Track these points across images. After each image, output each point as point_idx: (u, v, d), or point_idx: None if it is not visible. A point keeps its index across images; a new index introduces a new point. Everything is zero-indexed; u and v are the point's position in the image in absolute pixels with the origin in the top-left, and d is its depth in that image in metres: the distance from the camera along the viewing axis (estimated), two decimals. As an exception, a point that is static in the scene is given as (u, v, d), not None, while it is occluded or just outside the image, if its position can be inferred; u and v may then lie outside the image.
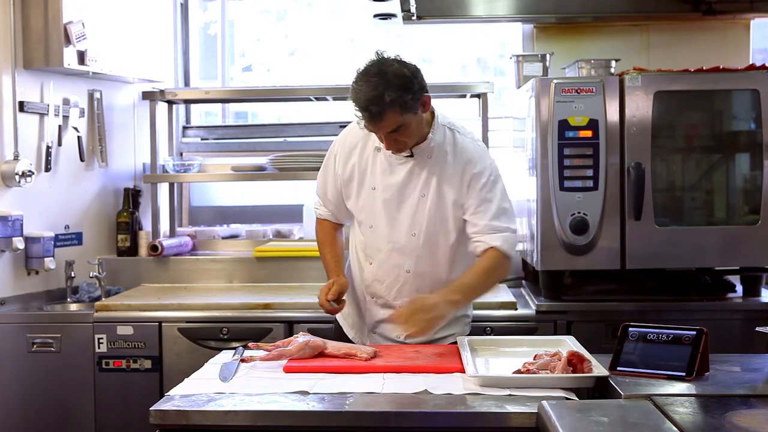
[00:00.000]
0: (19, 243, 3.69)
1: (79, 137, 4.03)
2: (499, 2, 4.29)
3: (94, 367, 3.53)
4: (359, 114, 2.54)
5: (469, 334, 2.79)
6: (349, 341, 2.86)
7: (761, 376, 2.19)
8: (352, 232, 2.93)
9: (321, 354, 2.50)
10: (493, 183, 2.71)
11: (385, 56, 2.58)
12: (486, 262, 2.67)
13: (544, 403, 1.94)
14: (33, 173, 3.74)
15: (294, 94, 4.41)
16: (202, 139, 4.80)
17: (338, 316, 2.96)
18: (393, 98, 2.50)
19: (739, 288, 3.55)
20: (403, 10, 4.05)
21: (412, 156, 2.69)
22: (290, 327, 3.49)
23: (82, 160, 4.07)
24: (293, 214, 4.56)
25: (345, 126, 2.90)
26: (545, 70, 3.92)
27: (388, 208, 2.73)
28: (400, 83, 2.52)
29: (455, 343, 2.78)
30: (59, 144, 3.96)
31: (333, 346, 2.54)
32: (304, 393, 2.15)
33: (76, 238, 4.13)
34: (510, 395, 2.10)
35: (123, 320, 3.53)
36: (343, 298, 2.76)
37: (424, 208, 2.70)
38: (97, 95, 4.17)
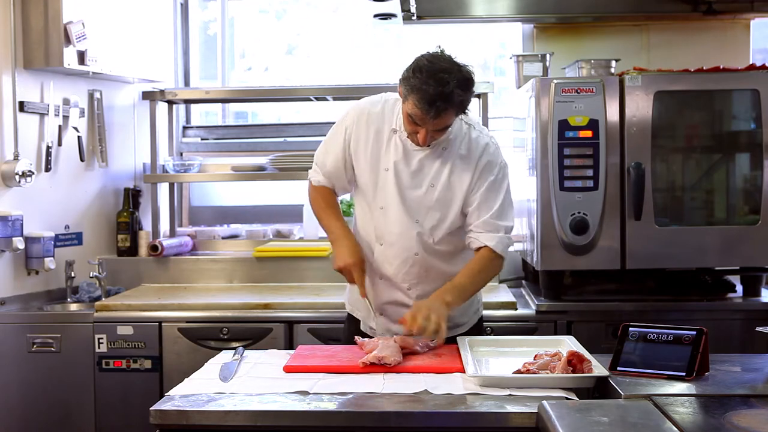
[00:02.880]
0: (19, 243, 3.69)
1: (79, 137, 4.03)
2: (499, 2, 4.29)
3: (94, 367, 3.53)
4: (421, 106, 2.49)
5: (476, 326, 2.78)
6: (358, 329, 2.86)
7: (761, 376, 2.19)
8: (357, 210, 2.87)
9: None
10: (500, 181, 2.73)
11: (446, 54, 2.56)
12: (479, 264, 2.69)
13: (544, 403, 1.94)
14: (33, 173, 3.74)
15: (294, 94, 4.41)
16: (202, 139, 4.80)
17: (348, 301, 2.95)
18: (462, 99, 2.52)
19: (739, 288, 3.55)
20: (403, 10, 4.04)
21: (428, 145, 2.69)
22: (290, 327, 3.49)
23: (82, 160, 4.07)
24: (293, 214, 4.55)
25: None
26: (545, 70, 3.92)
27: (398, 191, 2.71)
28: (468, 84, 2.53)
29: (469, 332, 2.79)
30: (59, 144, 3.96)
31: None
32: (304, 393, 2.15)
33: (76, 238, 4.13)
34: (510, 395, 2.10)
35: (123, 320, 3.53)
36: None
37: (432, 198, 2.70)
38: (97, 95, 4.17)
